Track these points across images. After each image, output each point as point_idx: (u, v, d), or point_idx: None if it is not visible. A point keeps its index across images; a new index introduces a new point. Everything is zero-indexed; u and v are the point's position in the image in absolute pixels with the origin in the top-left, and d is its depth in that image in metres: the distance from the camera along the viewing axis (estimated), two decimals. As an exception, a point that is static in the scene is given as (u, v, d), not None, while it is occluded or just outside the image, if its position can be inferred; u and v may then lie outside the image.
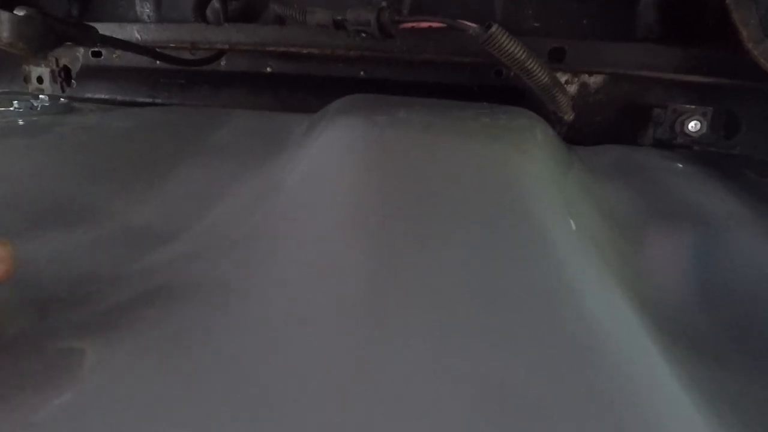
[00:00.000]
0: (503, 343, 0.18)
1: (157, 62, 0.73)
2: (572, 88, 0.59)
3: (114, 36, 0.63)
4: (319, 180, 0.31)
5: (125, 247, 0.32)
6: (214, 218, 0.34)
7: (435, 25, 0.50)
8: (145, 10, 0.78)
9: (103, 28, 0.63)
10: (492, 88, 0.62)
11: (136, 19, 0.77)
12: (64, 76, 0.78)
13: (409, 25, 0.51)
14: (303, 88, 0.68)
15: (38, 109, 0.45)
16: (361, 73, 0.66)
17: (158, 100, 0.73)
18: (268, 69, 0.69)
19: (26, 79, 0.80)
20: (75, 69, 0.78)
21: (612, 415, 0.16)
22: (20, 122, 0.42)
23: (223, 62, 0.71)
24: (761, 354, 0.26)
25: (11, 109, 0.44)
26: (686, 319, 0.30)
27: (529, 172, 0.28)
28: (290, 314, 0.21)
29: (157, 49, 0.66)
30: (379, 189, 0.27)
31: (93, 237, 0.33)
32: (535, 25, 0.62)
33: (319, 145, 0.34)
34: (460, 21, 0.49)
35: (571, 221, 0.26)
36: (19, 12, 0.40)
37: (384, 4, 0.51)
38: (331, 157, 0.32)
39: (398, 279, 0.22)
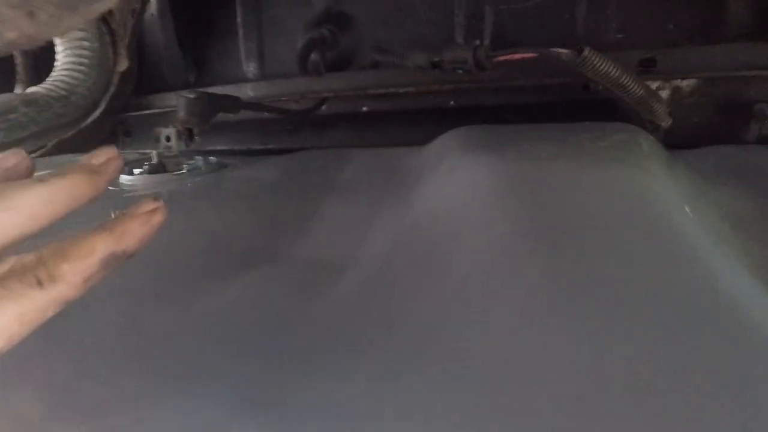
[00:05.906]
0: (661, 353, 0.21)
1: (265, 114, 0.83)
2: (665, 93, 0.60)
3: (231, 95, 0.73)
4: (462, 216, 0.35)
5: (305, 281, 0.39)
6: (370, 249, 0.40)
7: (528, 55, 0.54)
8: (251, 68, 0.89)
9: (221, 90, 0.73)
10: (581, 103, 0.64)
11: (244, 78, 0.89)
12: (188, 134, 0.91)
13: (503, 58, 0.55)
14: (397, 122, 0.75)
15: (202, 168, 0.55)
16: (451, 102, 0.71)
17: (270, 146, 0.83)
18: (364, 108, 0.77)
19: (156, 139, 0.94)
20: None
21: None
22: (192, 181, 0.51)
23: (323, 107, 0.79)
24: None
25: (183, 171, 0.54)
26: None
27: (659, 192, 0.31)
28: (442, 346, 0.24)
29: (268, 103, 0.76)
30: (523, 223, 0.31)
31: (275, 274, 0.40)
32: (619, 36, 0.64)
33: (454, 182, 0.39)
34: (551, 49, 0.53)
35: (707, 234, 0.29)
36: (190, 94, 0.50)
37: (478, 42, 0.56)
38: (470, 194, 0.36)
39: (550, 321, 0.23)
